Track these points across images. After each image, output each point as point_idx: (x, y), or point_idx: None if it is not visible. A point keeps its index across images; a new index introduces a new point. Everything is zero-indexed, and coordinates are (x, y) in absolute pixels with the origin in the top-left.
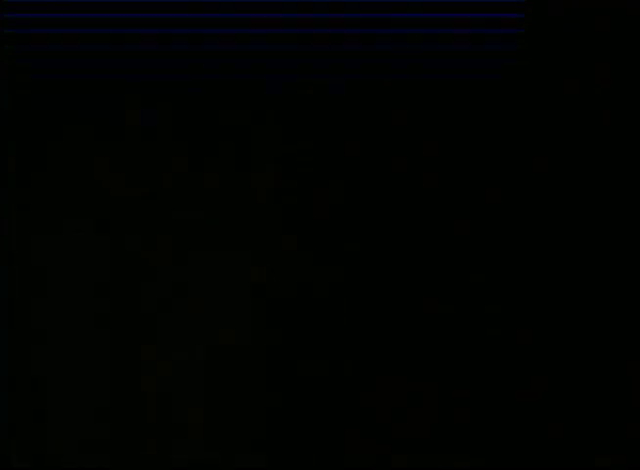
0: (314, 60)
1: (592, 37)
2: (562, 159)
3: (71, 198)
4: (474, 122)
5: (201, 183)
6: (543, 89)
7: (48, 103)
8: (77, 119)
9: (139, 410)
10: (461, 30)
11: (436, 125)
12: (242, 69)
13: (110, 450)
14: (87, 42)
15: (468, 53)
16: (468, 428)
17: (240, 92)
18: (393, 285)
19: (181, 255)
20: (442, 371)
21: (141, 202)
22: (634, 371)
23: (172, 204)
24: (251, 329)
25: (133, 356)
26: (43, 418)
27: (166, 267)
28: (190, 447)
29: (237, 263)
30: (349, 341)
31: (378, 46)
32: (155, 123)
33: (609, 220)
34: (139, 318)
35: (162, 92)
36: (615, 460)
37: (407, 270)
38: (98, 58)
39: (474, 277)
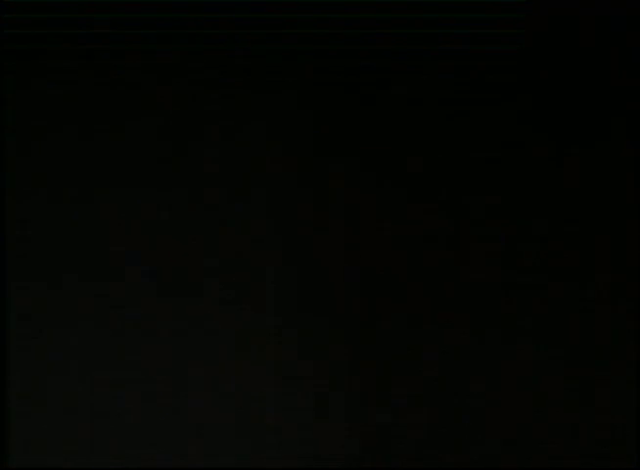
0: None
1: (592, 37)
2: (562, 158)
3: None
4: (474, 121)
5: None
6: (543, 89)
7: (46, 100)
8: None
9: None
10: (461, 30)
11: (437, 124)
12: (244, 63)
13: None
14: (86, 42)
15: (468, 53)
16: None
17: (241, 86)
18: (392, 288)
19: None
20: None
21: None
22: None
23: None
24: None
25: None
26: (43, 416)
27: None
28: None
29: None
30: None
31: (377, 46)
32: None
33: (609, 219)
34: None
35: (158, 89)
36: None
37: (408, 269)
38: (97, 56)
39: (473, 276)
